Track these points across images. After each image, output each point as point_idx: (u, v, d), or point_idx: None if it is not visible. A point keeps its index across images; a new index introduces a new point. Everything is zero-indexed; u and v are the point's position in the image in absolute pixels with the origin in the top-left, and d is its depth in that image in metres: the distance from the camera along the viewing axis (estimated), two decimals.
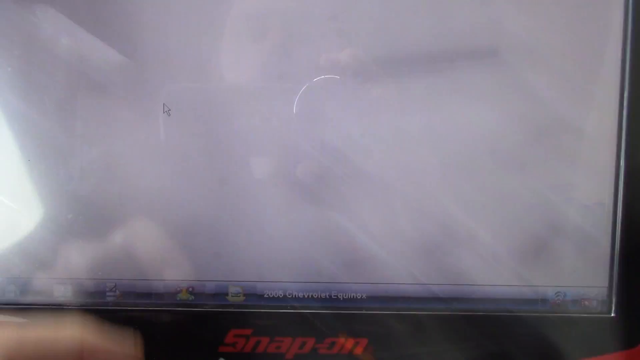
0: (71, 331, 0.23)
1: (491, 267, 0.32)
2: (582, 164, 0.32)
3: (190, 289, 0.32)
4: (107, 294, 0.32)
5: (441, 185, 0.32)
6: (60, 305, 0.32)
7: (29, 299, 0.32)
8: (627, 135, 0.31)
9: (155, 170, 0.32)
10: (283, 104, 0.31)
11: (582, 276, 0.32)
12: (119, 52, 0.31)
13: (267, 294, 0.33)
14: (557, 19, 0.31)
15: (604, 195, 0.32)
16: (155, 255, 0.32)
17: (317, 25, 0.31)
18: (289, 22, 0.31)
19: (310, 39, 0.31)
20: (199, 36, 0.31)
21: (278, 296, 0.33)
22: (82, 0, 0.31)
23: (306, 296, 0.33)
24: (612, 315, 0.32)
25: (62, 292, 0.32)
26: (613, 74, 0.31)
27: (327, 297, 0.33)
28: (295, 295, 0.33)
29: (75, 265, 0.32)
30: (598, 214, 0.32)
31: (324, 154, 0.32)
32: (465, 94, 0.31)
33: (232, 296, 0.33)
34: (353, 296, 0.33)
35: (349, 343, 0.32)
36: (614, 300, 0.32)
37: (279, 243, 0.32)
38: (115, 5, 0.31)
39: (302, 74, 0.31)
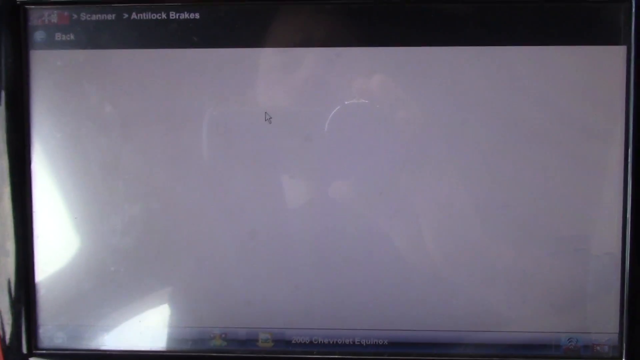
0: None
1: (507, 313, 0.34)
2: (591, 218, 0.34)
3: (224, 335, 0.35)
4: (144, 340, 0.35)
5: (457, 234, 0.34)
6: (102, 351, 0.35)
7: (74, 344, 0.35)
8: (634, 190, 0.33)
9: (190, 224, 0.34)
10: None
11: (593, 323, 0.34)
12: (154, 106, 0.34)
13: (295, 340, 0.35)
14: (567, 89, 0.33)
15: (613, 246, 0.34)
16: (190, 303, 0.35)
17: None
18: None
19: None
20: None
21: (305, 342, 0.35)
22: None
23: (332, 342, 0.35)
24: None
25: (105, 339, 0.35)
26: (619, 133, 0.33)
27: (351, 343, 0.35)
28: (321, 342, 0.35)
29: (116, 313, 0.35)
30: (608, 264, 0.34)
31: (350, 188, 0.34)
32: (475, 155, 0.33)
33: (261, 342, 0.35)
34: (375, 342, 0.35)
35: None
36: (624, 346, 0.34)
37: (306, 291, 0.34)
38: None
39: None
